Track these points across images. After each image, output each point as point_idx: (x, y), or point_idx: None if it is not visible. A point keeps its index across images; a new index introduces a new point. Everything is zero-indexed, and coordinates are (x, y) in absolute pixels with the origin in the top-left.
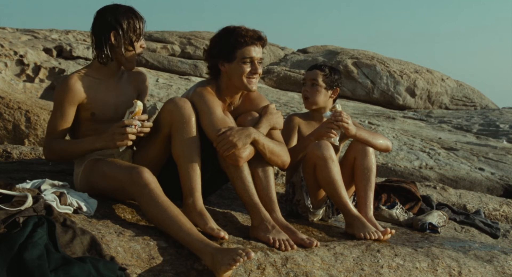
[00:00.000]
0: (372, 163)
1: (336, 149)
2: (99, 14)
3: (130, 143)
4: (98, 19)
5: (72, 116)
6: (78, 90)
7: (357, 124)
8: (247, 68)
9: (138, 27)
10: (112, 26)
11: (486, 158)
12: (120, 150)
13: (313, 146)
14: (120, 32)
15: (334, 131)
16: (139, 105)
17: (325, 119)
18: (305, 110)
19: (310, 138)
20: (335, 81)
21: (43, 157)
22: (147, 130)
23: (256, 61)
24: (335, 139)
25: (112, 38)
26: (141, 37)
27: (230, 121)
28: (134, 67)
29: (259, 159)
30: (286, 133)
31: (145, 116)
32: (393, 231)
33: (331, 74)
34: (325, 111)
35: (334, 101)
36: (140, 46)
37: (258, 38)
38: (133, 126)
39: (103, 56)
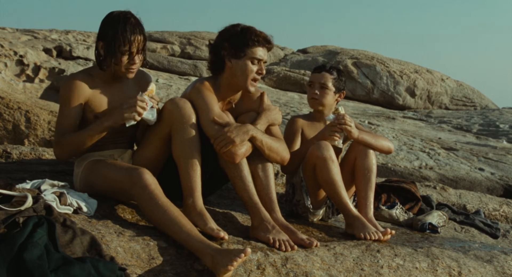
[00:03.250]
0: (372, 164)
1: (339, 150)
2: (102, 20)
3: (137, 118)
4: (100, 25)
5: (79, 114)
6: (83, 88)
7: (358, 126)
8: (254, 68)
9: (125, 41)
10: (101, 36)
11: (486, 158)
12: (127, 125)
13: (313, 147)
14: (105, 44)
15: (337, 134)
16: (152, 85)
17: (328, 122)
18: (305, 111)
19: (313, 141)
20: (342, 83)
21: (43, 157)
22: (156, 99)
23: (262, 63)
24: (339, 142)
25: (99, 48)
26: (129, 51)
27: (228, 118)
28: (129, 76)
29: (259, 158)
30: (289, 135)
31: (156, 97)
32: (393, 231)
33: (339, 77)
34: (328, 113)
35: (337, 103)
36: (130, 62)
37: (268, 41)
38: (144, 103)
39: (98, 62)
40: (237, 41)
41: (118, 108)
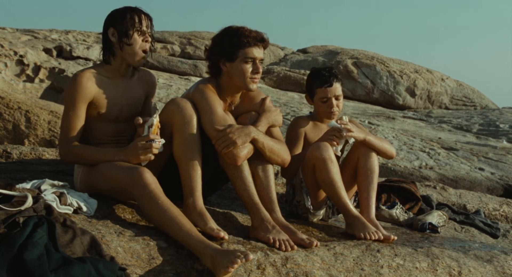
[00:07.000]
0: (375, 165)
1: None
2: (106, 18)
3: (153, 157)
4: (105, 21)
5: (84, 114)
6: (89, 87)
7: (361, 127)
8: (249, 68)
9: (135, 20)
10: (110, 23)
11: (486, 158)
12: (143, 165)
13: (312, 147)
14: (117, 27)
15: (336, 140)
16: (155, 120)
17: (329, 128)
18: (305, 111)
19: None
20: None
21: (43, 157)
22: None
23: (257, 61)
24: (337, 149)
25: (110, 35)
26: (140, 30)
27: (230, 119)
28: (141, 62)
29: (260, 159)
30: (292, 137)
31: (158, 134)
32: (395, 237)
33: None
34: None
35: None
36: (143, 40)
37: (260, 40)
38: (157, 141)
39: (105, 54)
40: (228, 45)
41: (131, 147)
